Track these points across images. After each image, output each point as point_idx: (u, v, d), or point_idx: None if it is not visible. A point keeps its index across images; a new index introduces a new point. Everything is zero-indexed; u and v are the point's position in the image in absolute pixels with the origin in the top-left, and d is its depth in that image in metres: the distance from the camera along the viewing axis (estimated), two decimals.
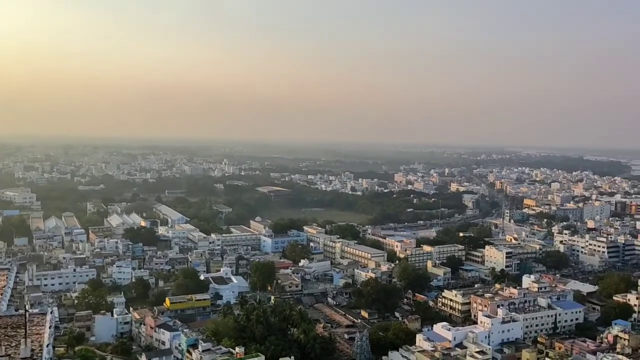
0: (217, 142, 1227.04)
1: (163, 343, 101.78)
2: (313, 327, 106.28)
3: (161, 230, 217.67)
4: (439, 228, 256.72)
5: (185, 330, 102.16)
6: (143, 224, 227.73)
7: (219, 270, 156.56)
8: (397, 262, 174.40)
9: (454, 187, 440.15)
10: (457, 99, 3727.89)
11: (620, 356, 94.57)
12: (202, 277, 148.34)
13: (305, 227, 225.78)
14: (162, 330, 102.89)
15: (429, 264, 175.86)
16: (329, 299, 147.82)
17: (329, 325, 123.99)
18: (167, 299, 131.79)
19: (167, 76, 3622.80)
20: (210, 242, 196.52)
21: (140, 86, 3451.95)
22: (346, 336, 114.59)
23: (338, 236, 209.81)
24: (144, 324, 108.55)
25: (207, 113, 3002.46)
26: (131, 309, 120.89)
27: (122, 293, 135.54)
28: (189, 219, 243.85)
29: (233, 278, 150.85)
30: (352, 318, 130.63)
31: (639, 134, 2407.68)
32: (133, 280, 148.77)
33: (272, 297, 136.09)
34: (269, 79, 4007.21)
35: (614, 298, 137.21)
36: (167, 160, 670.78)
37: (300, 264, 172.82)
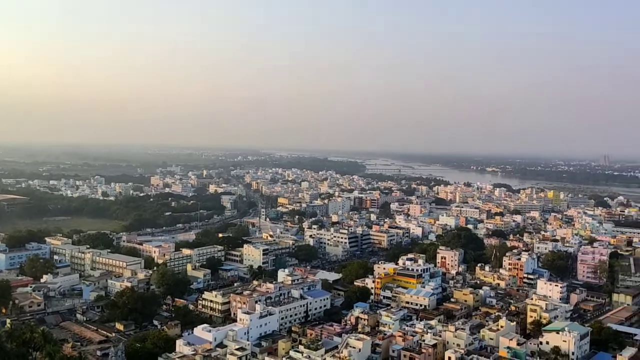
0: None
1: None
2: (59, 348, 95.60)
3: None
4: (198, 230, 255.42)
5: None
6: None
7: None
8: (155, 268, 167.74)
9: (212, 188, 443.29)
10: (211, 100, 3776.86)
11: (361, 335, 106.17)
12: None
13: (47, 239, 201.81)
14: None
15: (189, 267, 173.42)
16: (79, 315, 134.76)
17: (79, 343, 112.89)
18: None
19: None
20: None
21: None
22: (99, 353, 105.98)
23: (88, 246, 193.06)
24: None
25: None
26: None
27: None
28: None
29: None
30: (105, 333, 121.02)
31: (370, 137, 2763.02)
32: None
33: (8, 321, 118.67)
34: None
35: (355, 283, 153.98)
36: None
37: (42, 280, 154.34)
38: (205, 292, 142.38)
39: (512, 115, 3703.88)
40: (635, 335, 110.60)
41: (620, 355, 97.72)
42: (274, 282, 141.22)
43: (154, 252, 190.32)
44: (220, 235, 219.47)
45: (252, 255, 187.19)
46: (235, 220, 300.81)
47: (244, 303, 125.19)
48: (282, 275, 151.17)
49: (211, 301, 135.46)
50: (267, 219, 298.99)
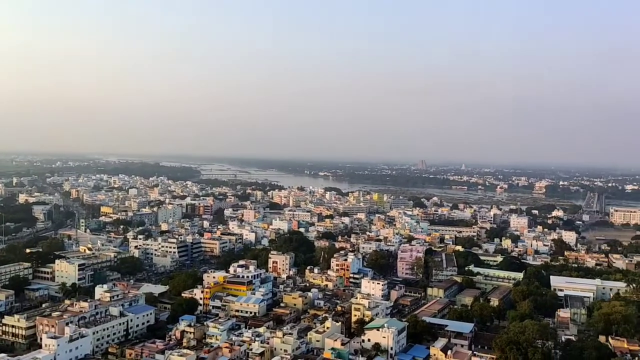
0: None
1: None
2: None
3: None
4: (2, 246, 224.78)
5: None
6: None
7: None
8: None
9: (22, 198, 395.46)
10: (26, 100, 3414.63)
11: (184, 350, 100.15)
12: None
13: None
14: None
15: None
16: None
17: None
18: None
19: None
20: None
21: None
22: None
23: None
24: None
25: None
26: None
27: None
28: None
29: None
30: None
31: (207, 142, 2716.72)
32: None
33: None
34: None
35: (182, 295, 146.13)
36: None
37: None
38: (5, 317, 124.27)
39: (340, 121, 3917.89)
40: (446, 326, 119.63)
41: (433, 346, 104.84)
42: (89, 300, 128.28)
43: None
44: (29, 250, 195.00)
45: (65, 271, 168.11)
46: (49, 233, 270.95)
47: (52, 326, 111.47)
48: (100, 291, 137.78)
49: (13, 326, 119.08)
50: (87, 230, 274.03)
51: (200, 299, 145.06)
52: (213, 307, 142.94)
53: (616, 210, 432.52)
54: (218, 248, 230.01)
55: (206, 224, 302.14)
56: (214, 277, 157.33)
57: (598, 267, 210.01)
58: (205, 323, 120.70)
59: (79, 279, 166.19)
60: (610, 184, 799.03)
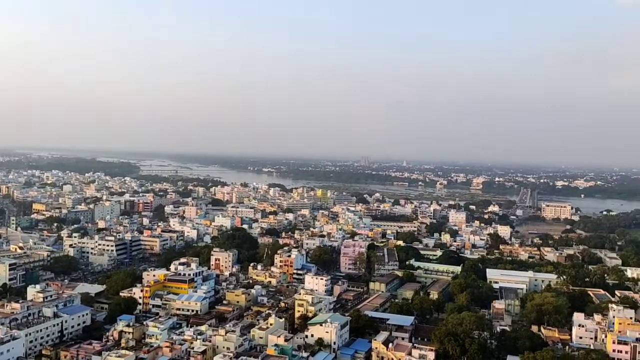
0: None
1: None
2: None
3: None
4: None
5: None
6: None
7: None
8: None
9: None
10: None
11: (123, 351, 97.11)
12: None
13: None
14: None
15: None
16: None
17: None
18: None
19: None
20: None
21: None
22: None
23: None
24: None
25: None
26: None
27: None
28: None
29: None
30: None
31: (146, 136, 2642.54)
32: None
33: None
34: None
35: (121, 294, 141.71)
36: None
37: None
38: None
39: (284, 119, 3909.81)
40: (388, 319, 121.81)
41: (375, 340, 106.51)
42: (21, 301, 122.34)
43: None
44: None
45: None
46: None
47: None
48: (32, 291, 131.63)
49: None
50: (18, 229, 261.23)
51: (140, 298, 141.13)
52: (153, 306, 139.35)
53: (547, 206, 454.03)
54: (158, 246, 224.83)
55: (146, 221, 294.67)
56: (154, 276, 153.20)
57: (531, 259, 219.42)
58: (144, 322, 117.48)
59: (10, 279, 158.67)
60: (542, 180, 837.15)
